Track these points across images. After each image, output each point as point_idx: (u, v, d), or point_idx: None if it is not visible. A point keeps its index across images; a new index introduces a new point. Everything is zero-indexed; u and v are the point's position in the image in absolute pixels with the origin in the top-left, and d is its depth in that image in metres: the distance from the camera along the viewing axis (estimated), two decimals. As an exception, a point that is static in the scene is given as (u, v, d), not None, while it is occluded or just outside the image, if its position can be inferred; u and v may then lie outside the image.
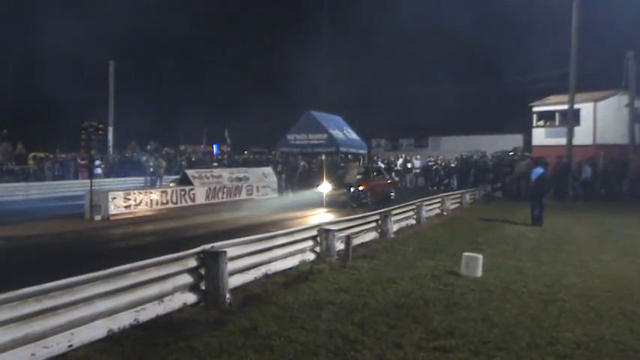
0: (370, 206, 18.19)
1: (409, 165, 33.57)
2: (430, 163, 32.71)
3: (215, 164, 31.87)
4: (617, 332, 6.14)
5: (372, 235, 12.58)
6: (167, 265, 6.60)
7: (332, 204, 20.16)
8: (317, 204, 20.46)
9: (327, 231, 10.07)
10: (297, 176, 27.17)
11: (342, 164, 26.62)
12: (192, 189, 20.35)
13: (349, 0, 53.45)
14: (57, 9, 41.26)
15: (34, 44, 43.77)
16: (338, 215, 15.84)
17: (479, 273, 8.78)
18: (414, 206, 16.02)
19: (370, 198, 20.77)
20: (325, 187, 20.91)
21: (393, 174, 27.47)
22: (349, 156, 32.22)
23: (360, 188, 20.48)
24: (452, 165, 31.72)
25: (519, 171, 25.07)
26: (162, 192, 19.24)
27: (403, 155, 37.22)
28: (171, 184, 23.21)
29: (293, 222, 15.45)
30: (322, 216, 17.57)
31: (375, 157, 36.04)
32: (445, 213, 18.55)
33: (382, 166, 30.02)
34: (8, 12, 39.38)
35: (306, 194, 23.19)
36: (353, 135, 33.14)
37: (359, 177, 21.09)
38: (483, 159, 31.75)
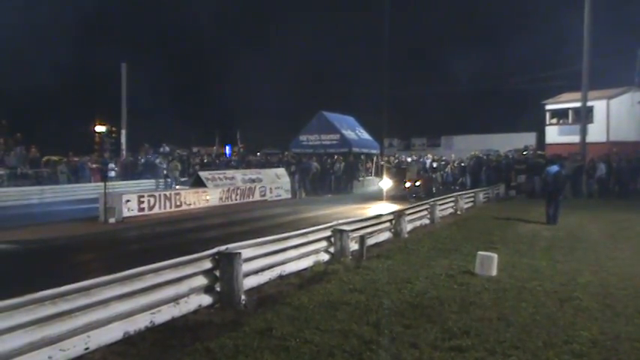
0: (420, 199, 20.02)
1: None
2: (427, 160, 33.14)
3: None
4: (634, 330, 6.10)
5: (385, 235, 12.54)
6: (182, 267, 6.63)
7: (392, 197, 22.98)
8: (377, 198, 23.47)
9: (341, 231, 10.06)
10: (310, 177, 27.17)
11: (396, 162, 31.50)
12: (206, 191, 20.44)
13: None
14: (69, 12, 41.56)
15: (46, 47, 44.15)
16: (404, 205, 16.23)
17: (494, 272, 8.75)
18: (427, 206, 15.99)
19: (423, 192, 23.91)
20: (386, 183, 23.96)
21: None
22: (362, 156, 32.21)
23: (417, 183, 24.16)
24: (463, 164, 31.67)
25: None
26: (176, 194, 19.31)
27: (414, 156, 37.22)
28: (177, 188, 23.40)
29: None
30: (391, 206, 18.63)
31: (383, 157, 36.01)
32: (459, 212, 18.51)
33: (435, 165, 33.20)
34: (19, 15, 39.70)
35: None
36: (365, 135, 33.09)
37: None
38: (497, 157, 31.59)
